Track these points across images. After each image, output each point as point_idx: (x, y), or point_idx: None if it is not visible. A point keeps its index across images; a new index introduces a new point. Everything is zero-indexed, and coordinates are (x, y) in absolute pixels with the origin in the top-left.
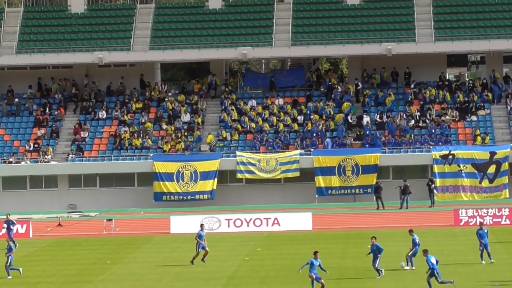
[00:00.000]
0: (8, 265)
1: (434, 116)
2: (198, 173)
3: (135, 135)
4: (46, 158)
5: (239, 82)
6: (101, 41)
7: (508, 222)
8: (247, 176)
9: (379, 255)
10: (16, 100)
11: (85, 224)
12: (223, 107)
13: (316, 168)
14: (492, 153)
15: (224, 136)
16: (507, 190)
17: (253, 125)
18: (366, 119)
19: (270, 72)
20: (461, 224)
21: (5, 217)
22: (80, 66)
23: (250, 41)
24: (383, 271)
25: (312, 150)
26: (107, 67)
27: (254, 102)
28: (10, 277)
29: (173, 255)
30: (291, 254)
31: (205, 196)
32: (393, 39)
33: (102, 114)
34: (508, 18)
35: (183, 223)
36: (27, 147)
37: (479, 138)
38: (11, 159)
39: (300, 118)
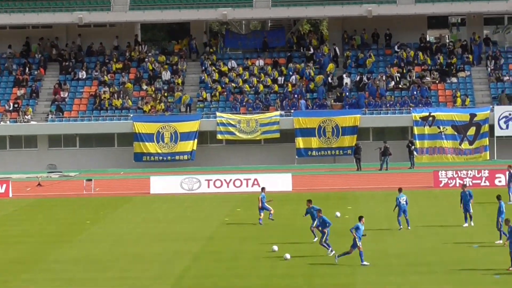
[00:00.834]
0: None
1: (414, 78)
2: (178, 134)
3: (115, 95)
4: (25, 118)
5: (219, 43)
6: (81, 1)
7: (487, 183)
8: (227, 137)
9: (325, 229)
10: None
11: (64, 184)
12: (203, 67)
13: (296, 129)
14: (472, 115)
15: (204, 96)
16: (487, 152)
17: (233, 86)
18: (346, 80)
19: (251, 33)
20: (441, 185)
21: None
22: (60, 26)
23: (230, 1)
24: (330, 249)
25: (292, 111)
26: (87, 27)
27: (234, 63)
28: None
29: (153, 216)
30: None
31: (185, 157)
32: (374, 0)
33: (82, 74)
34: None
35: (163, 184)
36: (7, 107)
37: (459, 100)
38: None
39: (281, 79)
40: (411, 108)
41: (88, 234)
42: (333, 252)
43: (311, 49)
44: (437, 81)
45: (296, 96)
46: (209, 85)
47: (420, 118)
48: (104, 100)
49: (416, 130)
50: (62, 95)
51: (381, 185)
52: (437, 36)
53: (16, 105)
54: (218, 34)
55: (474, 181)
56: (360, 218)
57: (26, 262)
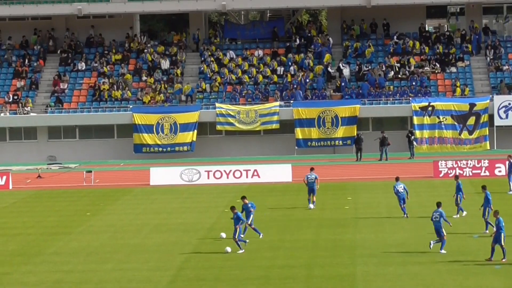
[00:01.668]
0: None
1: (413, 68)
2: (178, 125)
3: (115, 86)
4: (25, 110)
5: (218, 33)
6: None
7: (487, 173)
8: (227, 128)
9: (238, 226)
10: None
11: (64, 175)
12: (202, 58)
13: (295, 120)
14: (472, 105)
15: (204, 87)
16: (487, 142)
17: (232, 76)
18: (346, 70)
19: (250, 24)
20: (441, 175)
21: None
22: (59, 17)
23: None
24: (245, 244)
25: (291, 102)
26: (86, 19)
27: (233, 54)
28: None
29: (153, 207)
30: (271, 205)
31: (185, 148)
32: None
33: (82, 65)
34: None
35: (163, 175)
36: (6, 99)
37: (458, 89)
38: None
39: (280, 70)
40: (410, 98)
41: (88, 225)
42: (243, 251)
43: (309, 39)
44: (436, 71)
45: (295, 87)
46: (209, 76)
47: (419, 108)
48: (103, 91)
49: (415, 120)
50: (61, 87)
51: (380, 175)
52: (436, 25)
53: (15, 97)
54: (217, 24)
55: (474, 171)
56: (438, 204)
57: (26, 254)
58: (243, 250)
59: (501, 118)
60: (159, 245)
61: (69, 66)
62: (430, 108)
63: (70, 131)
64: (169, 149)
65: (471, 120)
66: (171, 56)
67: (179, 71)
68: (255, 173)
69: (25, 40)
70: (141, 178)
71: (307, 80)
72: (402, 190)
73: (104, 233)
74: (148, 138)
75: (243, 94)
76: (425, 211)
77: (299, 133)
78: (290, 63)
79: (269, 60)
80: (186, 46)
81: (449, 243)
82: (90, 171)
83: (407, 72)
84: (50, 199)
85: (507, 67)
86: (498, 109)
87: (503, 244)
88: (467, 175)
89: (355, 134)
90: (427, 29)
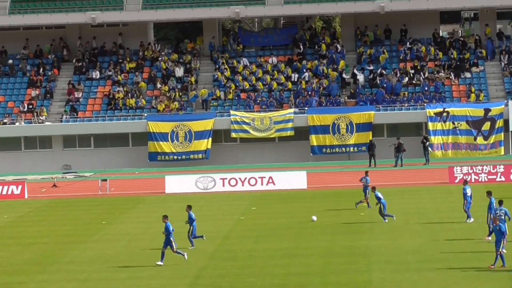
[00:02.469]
0: None
1: (428, 74)
2: (193, 133)
3: (129, 95)
4: (40, 119)
5: (232, 40)
6: (93, 1)
7: (503, 179)
8: (241, 135)
9: (171, 237)
10: (10, 61)
11: (79, 184)
12: (216, 66)
13: (310, 126)
14: (487, 110)
15: (218, 95)
16: (502, 147)
17: (246, 84)
18: (360, 77)
19: (263, 31)
20: (456, 181)
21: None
22: (73, 26)
23: None
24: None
25: (306, 108)
26: (100, 27)
27: (247, 61)
28: None
29: (168, 215)
30: (286, 213)
31: (200, 156)
32: None
33: (96, 74)
34: None
35: (178, 183)
36: (21, 108)
37: (473, 95)
38: (5, 120)
39: (294, 76)
40: (425, 104)
41: (103, 234)
42: (186, 256)
43: (324, 46)
44: (450, 77)
45: (309, 93)
46: (223, 83)
47: (434, 113)
48: (118, 99)
49: (430, 126)
50: (76, 95)
51: (396, 181)
52: (450, 31)
53: (30, 106)
54: (230, 32)
55: (489, 177)
56: (501, 202)
57: (42, 263)
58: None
59: None
60: None
61: (83, 74)
62: (445, 114)
63: (85, 139)
64: (184, 157)
65: (486, 126)
66: (185, 64)
67: (193, 79)
68: (270, 180)
69: (39, 49)
70: (156, 186)
71: (323, 85)
72: (469, 194)
73: (119, 242)
74: (163, 146)
75: (258, 101)
76: (441, 217)
77: (314, 140)
78: (304, 70)
79: (283, 67)
80: (200, 54)
81: (465, 249)
82: (105, 180)
83: (421, 78)
84: (65, 208)
85: None
86: None
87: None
88: (483, 180)
89: (369, 141)
90: (441, 34)
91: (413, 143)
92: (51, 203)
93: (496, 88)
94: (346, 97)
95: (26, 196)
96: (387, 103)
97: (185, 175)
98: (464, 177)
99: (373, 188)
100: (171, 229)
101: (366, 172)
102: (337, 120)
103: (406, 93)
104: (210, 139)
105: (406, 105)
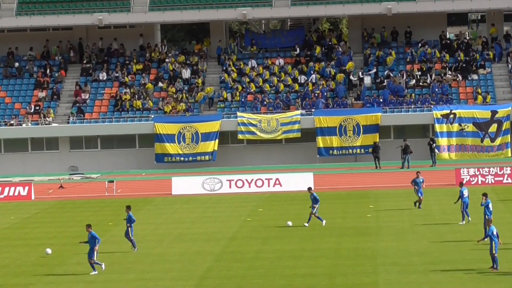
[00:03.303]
0: None
1: (434, 75)
2: (199, 134)
3: (136, 96)
4: (47, 120)
5: (238, 42)
6: (100, 2)
7: (509, 181)
8: (248, 136)
9: (95, 247)
10: (17, 64)
11: (86, 186)
12: (223, 67)
13: (317, 128)
14: (494, 112)
15: (225, 96)
16: (509, 149)
17: (253, 86)
18: (367, 78)
19: (271, 33)
20: (463, 183)
21: (7, 179)
22: (80, 27)
23: (250, 1)
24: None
25: (313, 110)
26: (107, 29)
27: (254, 63)
28: None
29: (175, 216)
30: (293, 214)
31: (207, 157)
32: None
33: (103, 75)
34: None
35: (185, 184)
36: (28, 109)
37: (480, 97)
38: (12, 122)
39: (301, 78)
40: (432, 106)
41: (110, 235)
42: (96, 272)
43: (331, 48)
44: (457, 79)
45: (316, 95)
46: (230, 85)
47: (441, 115)
48: (125, 101)
49: (437, 128)
50: (83, 97)
51: (402, 183)
52: (457, 33)
53: (37, 107)
54: (237, 33)
55: (496, 178)
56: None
57: (49, 264)
58: (97, 272)
59: None
60: (181, 254)
61: (90, 76)
62: (451, 116)
63: (91, 141)
64: (190, 158)
65: (493, 128)
66: (192, 66)
67: (200, 81)
68: (277, 182)
69: (46, 51)
70: (163, 187)
71: (330, 87)
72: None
73: (126, 243)
74: (169, 148)
75: (265, 103)
76: (447, 218)
77: (320, 141)
78: (311, 72)
79: (290, 69)
80: (207, 56)
81: (471, 251)
82: (112, 181)
83: (428, 80)
84: (72, 209)
85: None
86: None
87: (493, 253)
88: (489, 182)
89: (373, 142)
90: (448, 36)
91: (420, 145)
92: (58, 205)
93: (503, 90)
94: (353, 99)
95: (33, 197)
96: (393, 105)
97: (192, 176)
98: (461, 179)
99: (461, 184)
100: (133, 218)
101: (418, 173)
102: (343, 121)
103: (413, 94)
104: (217, 140)
105: (413, 106)
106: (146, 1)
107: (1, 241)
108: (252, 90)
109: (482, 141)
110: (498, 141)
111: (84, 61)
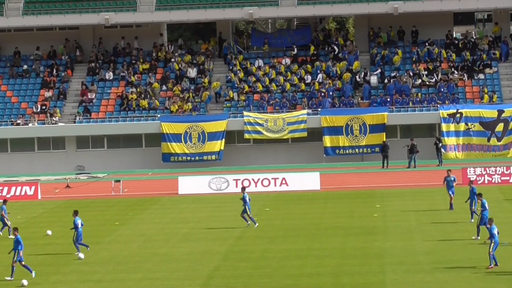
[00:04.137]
0: None
1: (441, 75)
2: (206, 134)
3: (142, 96)
4: (53, 120)
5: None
6: (107, 1)
7: None
8: (255, 136)
9: (20, 251)
10: (24, 64)
11: (93, 185)
12: (230, 67)
13: (323, 127)
14: (500, 111)
15: (231, 96)
16: None
17: (259, 85)
18: (373, 78)
19: (277, 32)
20: None
21: (14, 179)
22: (87, 27)
23: (256, 0)
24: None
25: (319, 109)
26: (113, 28)
27: (261, 62)
28: None
29: (181, 216)
30: (299, 214)
31: (213, 157)
32: None
33: (109, 75)
34: None
35: (191, 184)
36: (35, 109)
37: (486, 96)
38: (18, 121)
39: (307, 78)
40: (438, 105)
41: (116, 235)
42: (12, 278)
43: (337, 47)
44: (464, 78)
45: (322, 94)
46: (236, 84)
47: (447, 115)
48: (131, 100)
49: (443, 127)
50: (89, 96)
51: (409, 182)
52: (464, 32)
53: (43, 107)
54: (244, 33)
55: (502, 178)
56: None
57: (56, 263)
58: (12, 278)
59: None
60: (188, 254)
61: (96, 75)
62: (458, 115)
63: (98, 140)
64: (197, 158)
65: (500, 127)
66: (198, 65)
67: (206, 80)
68: (284, 182)
69: (52, 50)
70: (169, 187)
71: (337, 86)
72: (487, 208)
73: (133, 243)
74: (176, 147)
75: (271, 103)
76: (454, 218)
77: (327, 141)
78: (318, 71)
79: (296, 68)
80: (213, 55)
81: (478, 250)
82: (119, 181)
83: (435, 79)
84: (78, 208)
85: None
86: None
87: (491, 251)
88: (496, 181)
89: (382, 142)
90: (454, 36)
91: (426, 144)
92: (65, 204)
93: (509, 89)
94: (360, 98)
95: (39, 197)
96: (400, 104)
97: (198, 176)
98: (471, 178)
99: (470, 182)
100: (79, 224)
101: (448, 171)
102: (350, 121)
103: (419, 94)
104: (223, 140)
105: (419, 106)
106: (153, 1)
107: (8, 241)
108: (258, 90)
109: (488, 140)
110: (504, 140)
111: (88, 60)
